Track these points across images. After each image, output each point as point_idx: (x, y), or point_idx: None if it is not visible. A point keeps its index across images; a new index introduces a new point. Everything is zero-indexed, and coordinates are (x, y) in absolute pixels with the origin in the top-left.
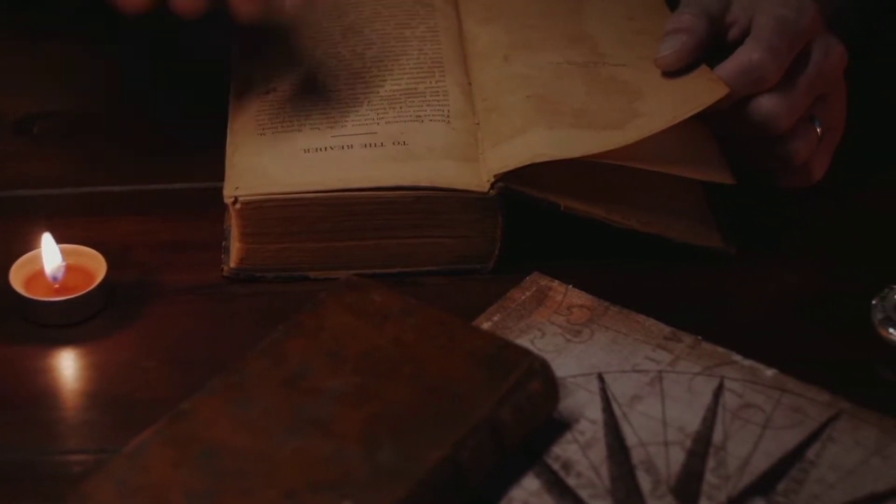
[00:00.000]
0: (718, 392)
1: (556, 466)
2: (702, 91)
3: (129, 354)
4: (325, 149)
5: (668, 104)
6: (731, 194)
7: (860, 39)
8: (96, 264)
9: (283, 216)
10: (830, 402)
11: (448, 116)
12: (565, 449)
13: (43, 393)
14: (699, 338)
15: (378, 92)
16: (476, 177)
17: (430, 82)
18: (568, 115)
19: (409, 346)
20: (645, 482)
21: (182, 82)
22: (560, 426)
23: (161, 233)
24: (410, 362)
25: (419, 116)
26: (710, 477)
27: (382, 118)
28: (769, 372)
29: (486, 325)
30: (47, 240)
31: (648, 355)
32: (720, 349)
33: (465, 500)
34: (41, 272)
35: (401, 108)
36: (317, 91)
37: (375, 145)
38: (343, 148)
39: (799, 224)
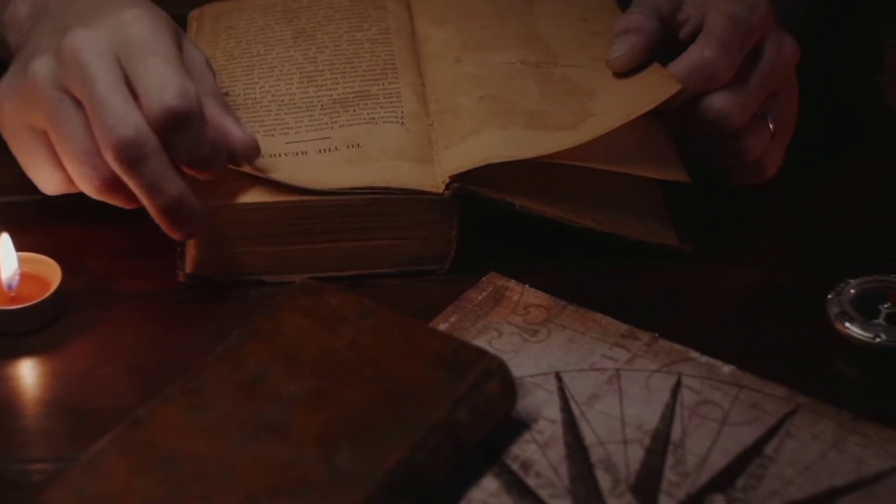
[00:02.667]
0: (676, 389)
1: (515, 466)
2: (654, 89)
3: (85, 362)
4: (280, 155)
5: (620, 103)
6: (687, 192)
7: (811, 35)
8: (51, 272)
9: (237, 221)
10: (788, 398)
11: (402, 118)
12: (524, 449)
13: None
14: (656, 335)
15: (331, 95)
16: (431, 178)
17: (383, 84)
18: (521, 115)
19: (365, 349)
20: (604, 481)
21: None
22: (518, 426)
23: (116, 239)
24: (367, 365)
25: (373, 119)
26: (669, 474)
27: (336, 122)
28: (726, 368)
29: (442, 326)
30: (5, 247)
31: (606, 354)
32: (677, 346)
33: (424, 502)
34: None
35: (354, 111)
36: (269, 95)
37: (330, 150)
38: (297, 154)
39: (754, 220)
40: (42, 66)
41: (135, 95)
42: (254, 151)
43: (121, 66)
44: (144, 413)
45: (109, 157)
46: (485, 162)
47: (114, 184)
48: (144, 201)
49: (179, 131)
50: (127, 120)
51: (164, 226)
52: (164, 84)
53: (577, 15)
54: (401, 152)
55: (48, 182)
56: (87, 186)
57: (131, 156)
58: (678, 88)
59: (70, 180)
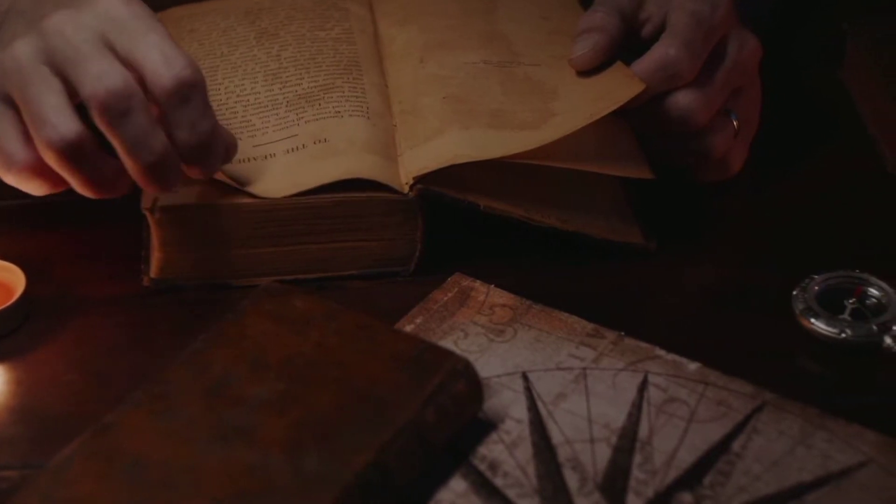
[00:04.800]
0: (643, 387)
1: (482, 467)
2: (618, 88)
3: (50, 368)
4: (248, 159)
5: (584, 102)
6: (651, 190)
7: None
8: (14, 278)
9: (201, 225)
10: (754, 394)
11: (367, 113)
12: (491, 449)
13: None
14: (622, 334)
15: (296, 90)
16: (395, 177)
17: (348, 79)
18: (484, 115)
19: (331, 351)
20: (572, 480)
21: None
22: (485, 426)
23: (80, 245)
24: (333, 367)
25: (339, 112)
26: (636, 472)
27: (302, 117)
28: (692, 366)
29: (408, 328)
30: None
31: (572, 353)
32: (643, 344)
33: (393, 503)
34: None
35: (320, 104)
36: (234, 96)
37: (297, 148)
38: (266, 157)
39: (718, 217)
40: (24, 45)
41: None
42: (234, 149)
43: (109, 46)
44: (111, 419)
45: (96, 112)
46: (449, 163)
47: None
48: (126, 158)
49: (187, 103)
50: (114, 73)
51: (142, 182)
52: (171, 55)
53: (539, 14)
54: (368, 144)
55: (14, 157)
56: (47, 151)
57: (120, 107)
58: (642, 88)
59: (38, 158)
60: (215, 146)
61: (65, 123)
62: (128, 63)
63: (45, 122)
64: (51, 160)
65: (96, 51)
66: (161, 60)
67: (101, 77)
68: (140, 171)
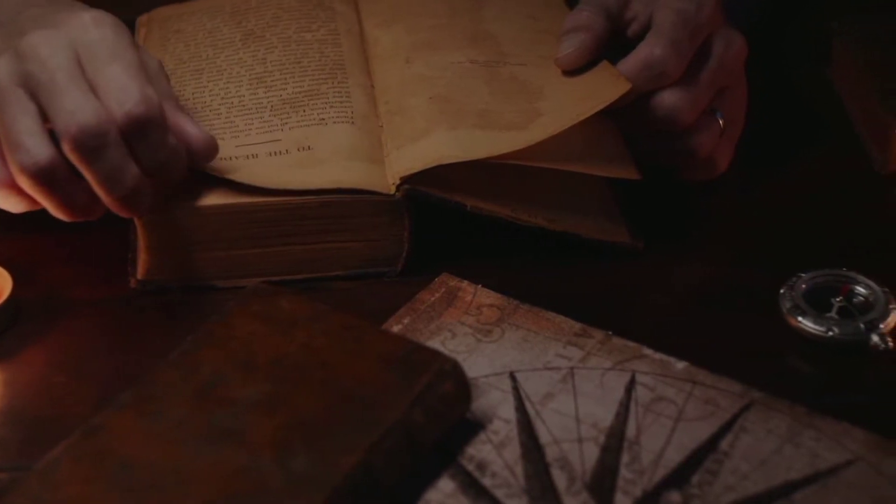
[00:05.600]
0: (630, 387)
1: (470, 467)
2: (604, 88)
3: (38, 370)
4: (230, 158)
5: (570, 102)
6: (638, 189)
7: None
8: (2, 281)
9: (188, 227)
10: (742, 393)
11: (352, 117)
12: (479, 449)
13: None
14: (609, 333)
15: (280, 95)
16: (382, 179)
17: (333, 83)
18: (471, 115)
19: (319, 352)
20: (560, 479)
21: None
22: (473, 426)
23: (67, 247)
24: (321, 368)
25: (323, 119)
26: (624, 472)
27: (286, 123)
28: (680, 365)
29: (396, 328)
30: None
31: (559, 352)
32: (631, 344)
33: None
34: None
35: (304, 111)
36: (219, 98)
37: (280, 153)
38: (248, 157)
39: (705, 217)
40: (1, 65)
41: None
42: (212, 150)
43: (81, 69)
44: (99, 421)
45: (68, 147)
46: (435, 163)
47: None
48: (99, 191)
49: (141, 137)
50: (87, 109)
51: (115, 209)
52: (126, 90)
53: (525, 13)
54: (352, 153)
55: None
56: (20, 175)
57: (92, 144)
58: (628, 87)
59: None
60: (175, 166)
61: (38, 148)
62: (94, 88)
63: (20, 146)
64: (24, 184)
65: (70, 81)
66: (116, 95)
67: (75, 113)
68: (112, 202)
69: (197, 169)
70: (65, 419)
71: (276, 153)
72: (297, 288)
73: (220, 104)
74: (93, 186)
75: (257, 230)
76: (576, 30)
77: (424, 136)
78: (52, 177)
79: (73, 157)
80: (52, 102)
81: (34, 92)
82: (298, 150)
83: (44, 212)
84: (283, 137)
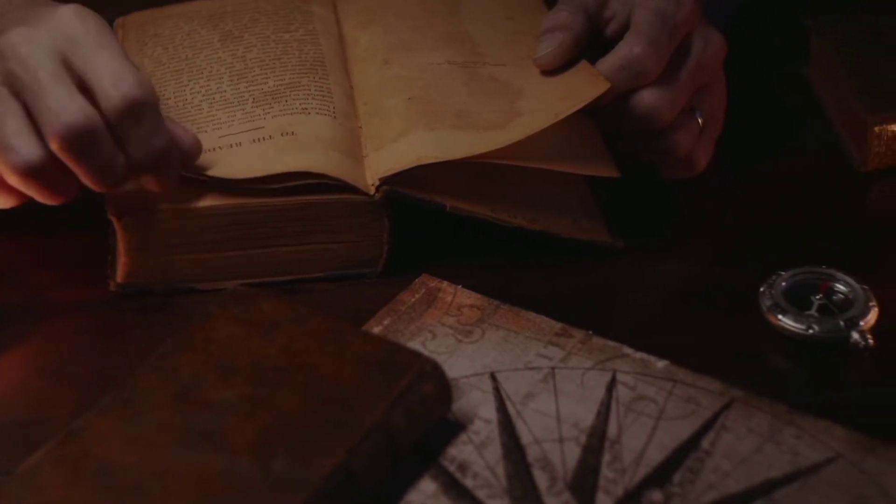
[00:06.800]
0: (611, 386)
1: (451, 468)
2: (583, 87)
3: (18, 374)
4: (214, 149)
5: (549, 102)
6: (617, 188)
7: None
8: None
9: (166, 229)
10: (722, 391)
11: (334, 112)
12: (461, 450)
13: None
14: (590, 333)
15: (262, 88)
16: (362, 178)
17: (314, 77)
18: (450, 116)
19: (299, 354)
20: (541, 480)
21: None
22: (454, 427)
23: (46, 251)
24: (301, 370)
25: (305, 109)
26: (606, 471)
27: (268, 112)
28: (661, 364)
29: (376, 330)
30: None
31: (540, 352)
32: (611, 343)
33: None
34: None
35: (286, 101)
36: (200, 95)
37: (264, 139)
38: (231, 146)
39: (684, 215)
40: None
41: (88, 90)
42: (198, 150)
43: (65, 64)
44: (79, 425)
45: (56, 146)
46: (414, 164)
47: (37, 171)
48: (83, 180)
49: (138, 121)
50: (73, 106)
51: (97, 189)
52: (121, 74)
53: (503, 14)
54: (335, 143)
55: None
56: (11, 175)
57: (80, 142)
58: (607, 87)
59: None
60: (170, 159)
61: (26, 148)
62: (82, 82)
63: (9, 147)
64: (14, 182)
65: (54, 79)
66: (110, 80)
67: (60, 113)
68: (100, 189)
69: (183, 169)
70: (45, 423)
71: (259, 139)
72: (277, 290)
73: (201, 100)
74: (82, 179)
75: (237, 232)
76: (554, 29)
77: (403, 136)
78: (42, 174)
79: (62, 156)
80: (37, 102)
81: (18, 91)
82: (282, 135)
83: (23, 215)
84: (265, 125)
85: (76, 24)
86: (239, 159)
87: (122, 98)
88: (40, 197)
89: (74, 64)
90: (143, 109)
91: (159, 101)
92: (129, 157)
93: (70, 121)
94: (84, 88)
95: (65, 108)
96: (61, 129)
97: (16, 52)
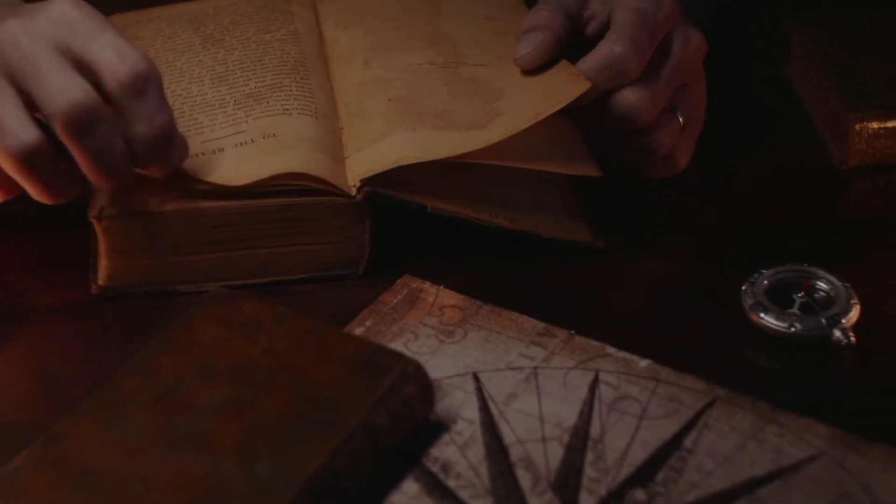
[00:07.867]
0: (594, 385)
1: (435, 468)
2: (564, 87)
3: (0, 378)
4: (197, 155)
5: (530, 102)
6: (598, 187)
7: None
8: None
9: (148, 232)
10: (705, 390)
11: (315, 113)
12: (444, 450)
13: None
14: (572, 332)
15: (244, 90)
16: (343, 179)
17: (295, 78)
18: (430, 116)
19: (281, 356)
20: (525, 479)
21: None
22: (437, 428)
23: (27, 253)
24: (284, 372)
25: (287, 110)
26: (589, 471)
27: (250, 115)
28: (643, 363)
29: (358, 331)
30: None
31: (522, 352)
32: (594, 342)
33: None
34: None
35: (268, 102)
36: (181, 98)
37: (246, 143)
38: (214, 152)
39: (666, 214)
40: None
41: (89, 74)
42: (185, 149)
43: (65, 53)
44: (61, 428)
45: (60, 125)
46: (395, 164)
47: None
48: (84, 165)
49: (144, 96)
50: (75, 85)
51: (95, 180)
52: (126, 50)
53: (483, 14)
54: (317, 143)
55: None
56: (7, 158)
57: (84, 121)
58: (588, 86)
59: None
60: (174, 140)
61: (25, 131)
62: (83, 65)
63: (5, 130)
64: (10, 168)
65: (54, 63)
66: (116, 56)
67: (63, 92)
68: (97, 175)
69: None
70: (26, 426)
71: (241, 143)
72: (259, 291)
73: (182, 103)
74: (80, 162)
75: (219, 234)
76: (534, 29)
77: (384, 137)
78: (37, 159)
79: (64, 136)
80: (39, 86)
81: (16, 80)
82: (264, 137)
83: (4, 216)
84: (247, 128)
85: (74, 13)
86: (223, 165)
87: (129, 71)
88: (35, 190)
89: (75, 49)
90: (149, 84)
91: (162, 79)
92: (135, 134)
93: (73, 97)
94: (84, 74)
95: (67, 88)
96: (65, 105)
97: (16, 41)
